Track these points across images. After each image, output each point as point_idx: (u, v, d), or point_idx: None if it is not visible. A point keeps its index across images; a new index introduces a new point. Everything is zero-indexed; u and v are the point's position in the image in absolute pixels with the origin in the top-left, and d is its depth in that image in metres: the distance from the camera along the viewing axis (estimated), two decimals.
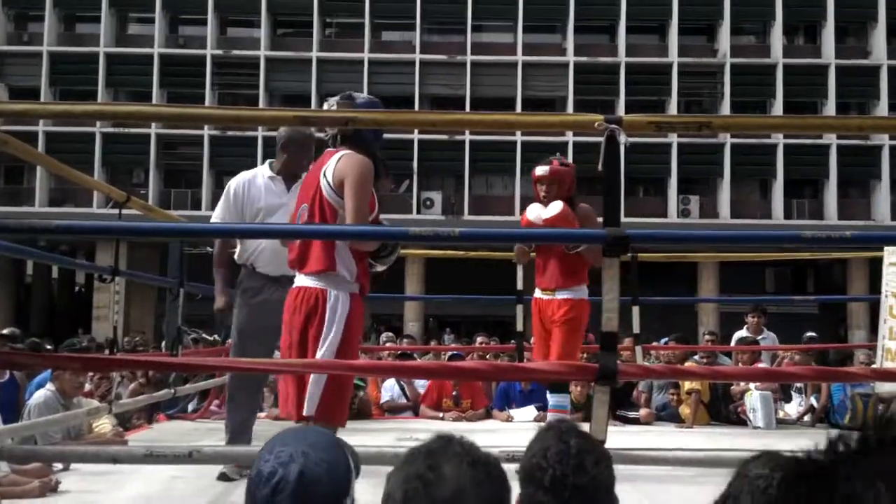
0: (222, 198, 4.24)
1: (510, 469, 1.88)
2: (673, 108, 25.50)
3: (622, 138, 3.04)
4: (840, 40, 26.77)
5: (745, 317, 8.46)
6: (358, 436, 4.16)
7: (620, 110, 23.99)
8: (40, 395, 4.94)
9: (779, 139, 25.57)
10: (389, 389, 7.43)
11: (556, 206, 4.48)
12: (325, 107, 3.54)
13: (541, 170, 4.69)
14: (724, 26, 26.46)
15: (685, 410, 7.24)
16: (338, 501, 1.28)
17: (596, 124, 3.06)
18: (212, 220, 4.21)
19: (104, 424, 5.27)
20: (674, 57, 26.35)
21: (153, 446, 2.77)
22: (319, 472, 1.27)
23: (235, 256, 4.26)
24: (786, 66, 26.14)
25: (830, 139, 25.63)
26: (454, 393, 7.12)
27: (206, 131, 25.49)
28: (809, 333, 9.32)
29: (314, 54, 26.32)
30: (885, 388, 6.11)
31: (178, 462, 2.59)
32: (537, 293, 4.79)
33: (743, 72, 26.23)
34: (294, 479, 1.25)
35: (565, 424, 1.79)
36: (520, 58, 26.28)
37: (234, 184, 4.26)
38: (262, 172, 4.32)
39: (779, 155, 25.75)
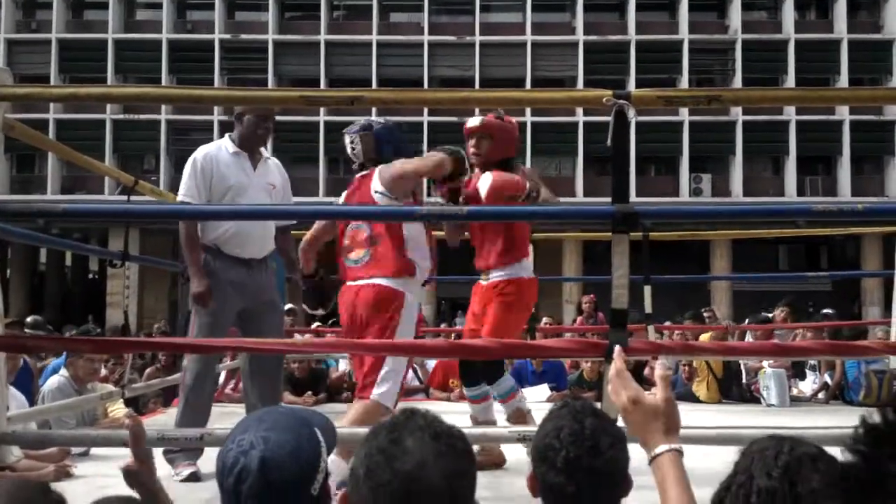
0: (188, 174, 4.00)
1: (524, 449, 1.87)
2: (684, 86, 25.27)
3: (631, 114, 3.01)
4: (852, 14, 26.46)
5: (774, 309, 8.19)
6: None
7: (631, 89, 23.80)
8: (54, 380, 4.97)
9: (791, 115, 25.36)
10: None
11: (486, 182, 3.94)
12: (347, 140, 3.78)
13: (472, 121, 4.29)
14: (735, 2, 26.21)
15: (699, 389, 7.23)
16: (307, 480, 1.25)
17: (604, 100, 3.01)
18: (181, 197, 4.01)
19: (119, 409, 5.30)
20: (684, 34, 26.12)
21: (165, 430, 2.77)
22: (282, 454, 1.25)
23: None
24: (797, 41, 25.88)
25: (843, 115, 25.41)
26: None
27: (216, 117, 25.47)
28: (825, 311, 9.23)
29: (322, 37, 26.24)
30: None
31: (190, 445, 2.59)
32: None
33: (754, 48, 25.99)
34: (256, 466, 1.23)
35: (580, 403, 1.76)
36: (529, 37, 26.12)
37: (200, 159, 4.05)
38: (224, 146, 4.19)
39: (791, 131, 25.54)
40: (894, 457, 0.74)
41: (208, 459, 4.19)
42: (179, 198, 3.99)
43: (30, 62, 26.08)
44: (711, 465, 1.38)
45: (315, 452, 1.28)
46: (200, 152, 4.11)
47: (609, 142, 3.01)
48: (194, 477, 3.83)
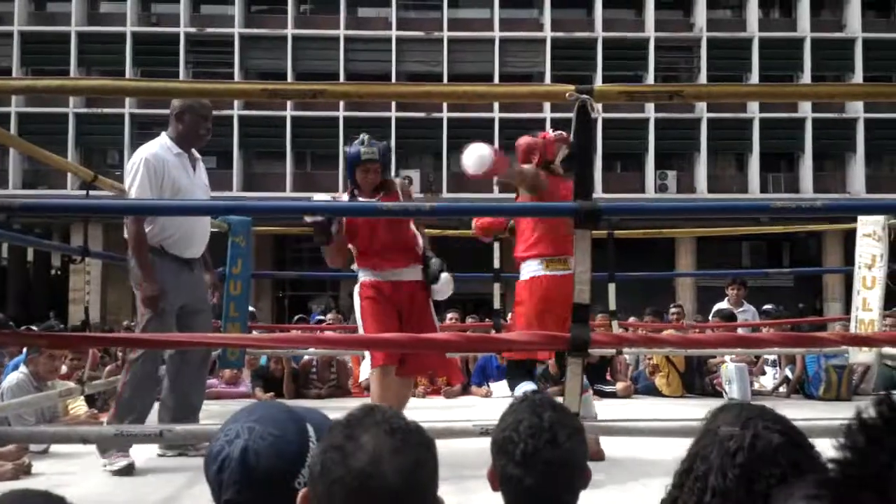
0: (141, 174, 4.00)
1: (487, 442, 1.88)
2: (650, 83, 25.49)
3: (595, 109, 3.03)
4: (815, 13, 26.81)
5: (726, 289, 8.50)
6: (333, 414, 4.16)
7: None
8: (13, 377, 4.90)
9: (755, 113, 25.67)
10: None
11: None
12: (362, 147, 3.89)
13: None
14: (701, 0, 26.45)
15: (661, 383, 7.31)
16: (289, 472, 1.25)
17: (567, 94, 3.03)
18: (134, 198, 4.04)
19: (79, 407, 5.24)
20: (650, 31, 26.32)
21: (124, 427, 2.74)
22: (264, 446, 1.25)
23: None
24: (762, 39, 26.19)
25: (806, 113, 25.77)
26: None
27: None
28: (767, 306, 9.34)
29: (289, 31, 26.05)
30: (858, 358, 6.17)
31: (149, 441, 2.57)
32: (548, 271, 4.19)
33: (719, 46, 26.27)
34: (237, 455, 1.23)
35: (539, 396, 1.78)
36: (497, 34, 26.15)
37: (150, 159, 4.04)
38: (165, 145, 4.17)
39: (755, 129, 25.85)
40: (890, 451, 0.74)
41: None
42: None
43: None
44: (676, 456, 1.38)
45: (302, 447, 1.28)
46: (148, 152, 4.08)
47: (572, 137, 3.03)
48: (130, 469, 3.79)
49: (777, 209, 3.19)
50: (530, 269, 4.19)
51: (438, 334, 3.58)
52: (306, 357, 7.44)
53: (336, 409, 4.74)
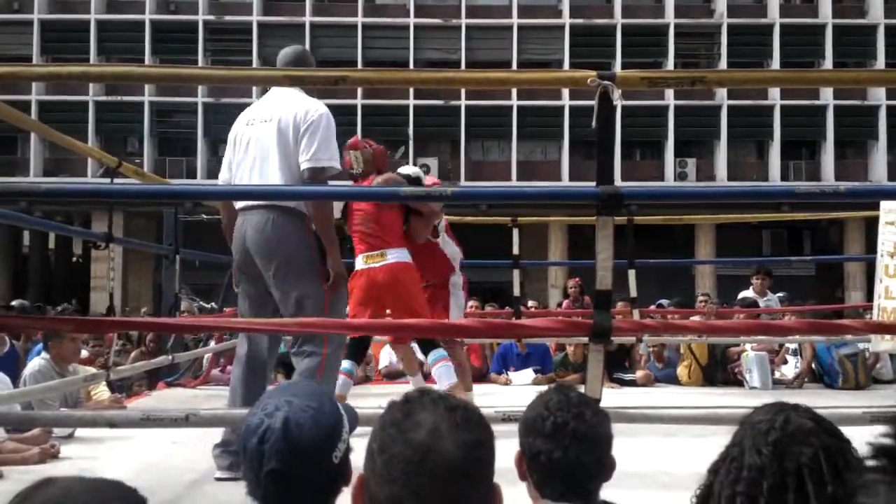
0: (332, 132, 3.60)
1: (509, 429, 1.89)
2: (671, 69, 25.32)
3: (616, 95, 3.01)
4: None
5: (751, 278, 8.44)
6: (354, 400, 4.16)
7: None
8: (35, 363, 4.95)
9: (776, 100, 25.44)
10: (388, 354, 7.42)
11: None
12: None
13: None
14: None
15: (682, 372, 7.29)
16: (328, 444, 1.29)
17: (589, 80, 3.01)
18: (331, 163, 3.55)
19: (102, 392, 5.30)
20: (670, 18, 26.12)
21: (150, 411, 2.77)
22: (305, 416, 1.29)
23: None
24: (783, 25, 25.93)
25: (827, 100, 25.51)
26: None
27: (200, 98, 25.30)
28: (779, 294, 9.25)
29: (307, 19, 26.07)
30: (881, 346, 6.11)
31: (175, 426, 2.59)
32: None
33: (740, 32, 26.03)
34: (279, 426, 1.28)
35: (565, 384, 1.86)
36: (515, 20, 26.05)
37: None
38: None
39: (776, 116, 25.63)
40: None
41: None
42: (328, 163, 3.50)
43: (12, 42, 25.75)
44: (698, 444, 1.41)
45: (337, 420, 1.33)
46: (324, 107, 3.60)
47: (594, 124, 3.01)
48: None
49: (801, 194, 3.17)
50: (358, 263, 4.68)
51: (462, 320, 3.59)
52: None
53: (358, 395, 4.69)
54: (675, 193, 5.06)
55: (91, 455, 4.09)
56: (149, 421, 2.60)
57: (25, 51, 25.13)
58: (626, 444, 1.76)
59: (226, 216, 3.70)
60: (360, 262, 4.67)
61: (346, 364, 4.49)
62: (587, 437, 1.64)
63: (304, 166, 3.41)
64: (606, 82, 3.00)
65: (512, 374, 7.21)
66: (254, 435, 1.28)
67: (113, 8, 26.72)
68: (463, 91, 23.85)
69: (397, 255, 4.60)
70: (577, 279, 9.59)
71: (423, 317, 4.37)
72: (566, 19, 26.11)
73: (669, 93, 24.78)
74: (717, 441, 1.42)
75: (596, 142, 3.10)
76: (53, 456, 3.99)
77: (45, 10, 26.09)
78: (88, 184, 19.41)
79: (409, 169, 4.78)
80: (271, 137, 3.45)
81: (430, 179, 4.96)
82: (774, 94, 25.27)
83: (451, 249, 5.20)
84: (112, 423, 2.57)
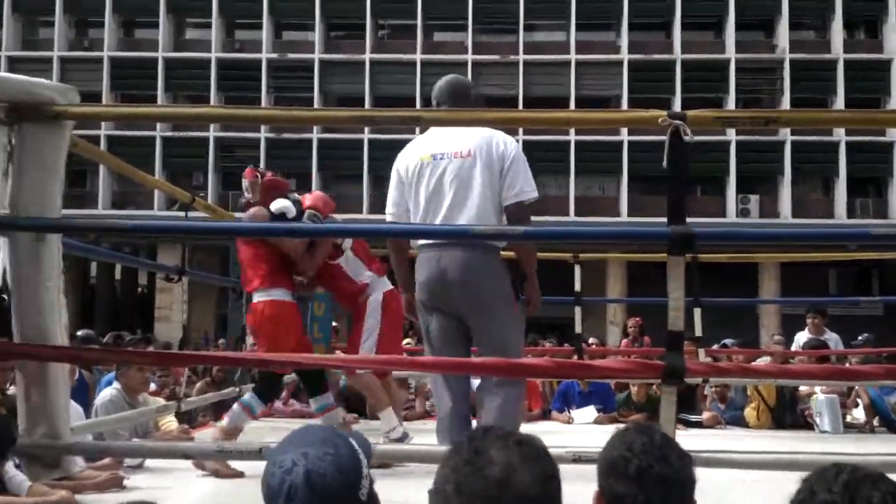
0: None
1: (578, 469, 1.87)
2: (731, 106, 25.02)
3: (687, 134, 2.99)
4: None
5: (805, 318, 8.28)
6: (421, 437, 4.14)
7: (677, 108, 23.62)
8: (106, 393, 5.03)
9: (841, 136, 24.96)
10: None
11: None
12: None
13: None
14: (783, 21, 25.94)
15: (750, 414, 7.11)
16: (353, 485, 1.29)
17: (660, 120, 2.99)
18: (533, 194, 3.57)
19: (170, 422, 5.37)
20: (731, 53, 25.92)
21: (223, 443, 2.81)
22: (325, 465, 1.28)
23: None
24: (847, 61, 25.51)
25: (893, 136, 24.93)
26: None
27: (263, 134, 25.83)
28: (864, 336, 9.02)
29: (367, 56, 26.51)
30: None
31: (248, 458, 2.62)
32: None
33: (803, 67, 25.68)
34: (302, 481, 1.27)
35: (645, 424, 1.82)
36: (573, 56, 26.12)
37: None
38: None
39: (841, 152, 25.14)
40: None
41: None
42: (531, 195, 3.51)
43: (82, 79, 26.68)
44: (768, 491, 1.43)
45: (356, 458, 1.32)
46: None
47: (665, 163, 2.99)
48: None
49: (876, 236, 3.10)
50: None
51: (531, 360, 3.57)
52: None
53: (419, 431, 4.65)
54: (749, 235, 4.95)
55: (160, 485, 4.14)
56: (222, 453, 2.63)
57: (95, 87, 26.01)
58: (700, 488, 1.72)
59: (396, 250, 3.73)
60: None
61: (250, 399, 4.57)
62: (672, 481, 1.61)
63: (511, 201, 3.43)
64: (678, 122, 2.98)
65: (574, 413, 7.12)
66: (279, 496, 1.28)
67: (180, 46, 27.55)
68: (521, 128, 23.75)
69: (257, 296, 4.61)
70: (637, 319, 9.47)
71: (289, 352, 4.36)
72: (624, 55, 26.09)
73: (731, 129, 24.49)
74: (788, 486, 1.41)
75: (667, 181, 3.08)
76: (120, 485, 4.05)
77: (114, 48, 27.03)
78: (164, 219, 19.85)
79: (278, 203, 4.59)
80: (473, 172, 3.44)
81: (308, 201, 4.77)
82: (839, 130, 24.80)
83: (354, 267, 4.94)
84: (187, 455, 2.61)
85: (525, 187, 3.46)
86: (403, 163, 3.56)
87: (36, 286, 2.63)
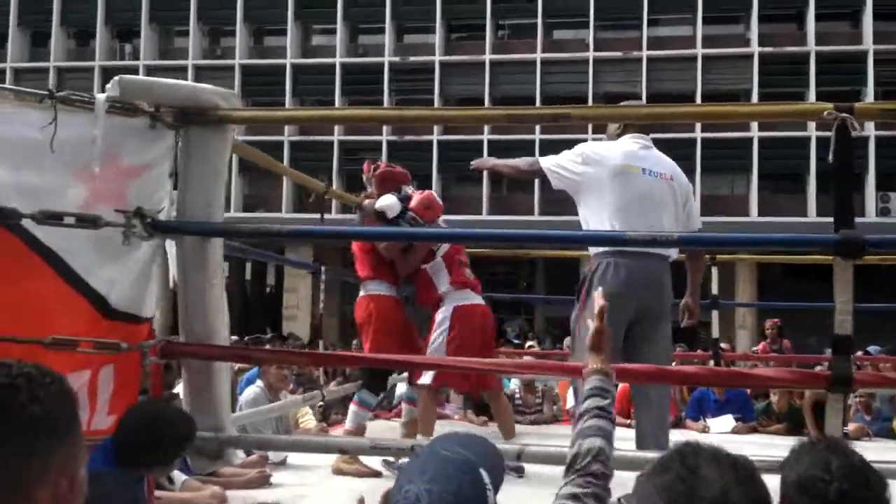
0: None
1: None
2: (869, 99, 23.72)
3: (855, 128, 2.84)
4: None
5: None
6: (549, 440, 4.09)
7: (852, 103, 22.53)
8: (250, 391, 5.21)
9: None
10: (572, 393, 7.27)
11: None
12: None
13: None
14: None
15: None
16: None
17: (825, 113, 2.88)
18: None
19: (308, 420, 5.51)
20: (868, 44, 24.57)
21: (377, 439, 2.86)
22: None
23: None
24: None
25: None
26: None
27: (385, 137, 26.26)
28: None
29: (487, 57, 26.53)
30: None
31: (401, 455, 2.66)
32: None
33: None
34: None
35: (834, 440, 1.77)
36: (699, 51, 25.35)
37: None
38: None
39: None
40: None
41: None
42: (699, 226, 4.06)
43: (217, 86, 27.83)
44: None
45: (479, 493, 1.34)
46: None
47: (831, 159, 2.86)
48: None
49: None
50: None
51: (683, 367, 3.49)
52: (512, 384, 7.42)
53: (545, 435, 4.67)
54: None
55: (303, 482, 4.25)
56: (376, 449, 2.68)
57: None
58: None
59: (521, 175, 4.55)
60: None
61: (362, 395, 4.67)
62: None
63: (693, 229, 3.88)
64: (845, 114, 2.84)
65: (710, 421, 6.88)
66: None
67: (307, 52, 28.34)
68: (698, 123, 22.85)
69: (362, 290, 4.87)
70: (775, 320, 9.10)
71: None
72: (755, 48, 25.12)
73: (869, 123, 23.23)
74: None
75: (834, 180, 2.94)
76: (267, 482, 4.17)
77: (245, 55, 28.05)
78: (293, 225, 20.50)
79: (381, 201, 4.76)
80: (671, 196, 3.81)
81: (414, 202, 4.84)
82: None
83: (438, 275, 4.98)
84: (342, 450, 2.66)
85: (698, 223, 3.93)
86: (605, 156, 3.85)
87: (202, 287, 2.72)
